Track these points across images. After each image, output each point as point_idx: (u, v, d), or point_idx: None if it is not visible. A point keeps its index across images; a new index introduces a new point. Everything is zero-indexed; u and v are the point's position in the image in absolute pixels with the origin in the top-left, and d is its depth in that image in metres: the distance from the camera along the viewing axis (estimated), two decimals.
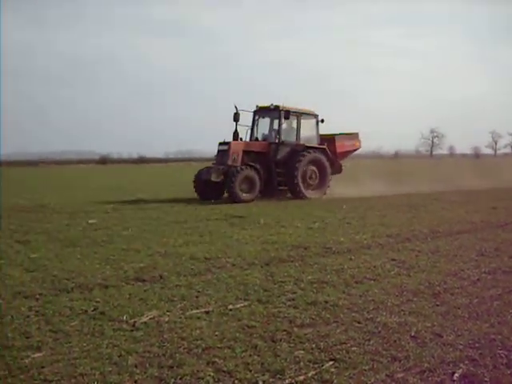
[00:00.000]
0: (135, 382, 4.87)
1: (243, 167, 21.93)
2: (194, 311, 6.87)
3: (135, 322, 6.46)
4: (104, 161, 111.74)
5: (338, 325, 6.29)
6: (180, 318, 6.63)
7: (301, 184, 23.09)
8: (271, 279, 8.45)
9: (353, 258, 9.95)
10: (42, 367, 5.14)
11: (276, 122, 23.76)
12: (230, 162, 22.18)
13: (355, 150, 26.50)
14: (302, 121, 24.04)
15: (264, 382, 4.85)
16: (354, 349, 5.54)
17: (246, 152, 22.83)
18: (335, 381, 4.83)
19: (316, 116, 24.46)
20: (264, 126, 24.63)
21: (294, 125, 24.01)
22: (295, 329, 6.17)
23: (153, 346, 5.69)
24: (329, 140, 24.74)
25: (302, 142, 23.77)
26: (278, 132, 23.50)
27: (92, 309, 6.97)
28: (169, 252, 10.67)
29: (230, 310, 6.93)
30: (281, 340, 5.82)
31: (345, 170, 25.87)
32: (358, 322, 6.38)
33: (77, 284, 8.17)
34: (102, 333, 6.11)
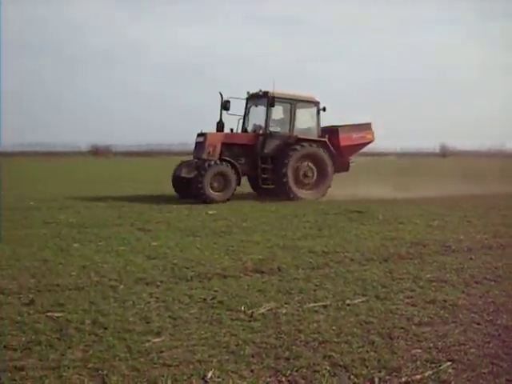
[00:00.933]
0: (252, 371, 4.97)
1: (216, 162, 19.22)
2: (312, 304, 6.91)
3: (253, 312, 6.58)
4: None
5: (457, 325, 6.14)
6: (297, 310, 6.69)
7: (291, 182, 20.01)
8: (389, 276, 8.36)
9: (473, 257, 9.65)
10: (161, 352, 5.35)
11: (270, 110, 20.44)
12: (204, 156, 19.54)
13: (367, 144, 22.48)
14: (298, 109, 20.78)
15: (380, 378, 4.81)
16: (472, 350, 5.40)
17: (226, 145, 20.08)
18: (453, 382, 4.73)
19: (316, 103, 20.97)
20: (256, 115, 21.40)
21: (288, 114, 20.82)
22: (413, 327, 6.08)
23: (270, 337, 5.78)
24: (331, 132, 21.40)
25: (295, 134, 20.53)
26: (265, 122, 20.36)
27: (211, 298, 7.17)
28: (287, 245, 10.77)
29: (348, 304, 6.92)
30: (398, 337, 5.76)
31: (354, 167, 22.64)
32: (478, 324, 6.20)
33: (196, 273, 8.44)
34: (220, 322, 6.28)
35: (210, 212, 15.78)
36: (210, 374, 4.87)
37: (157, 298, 7.15)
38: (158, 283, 7.83)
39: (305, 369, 5.00)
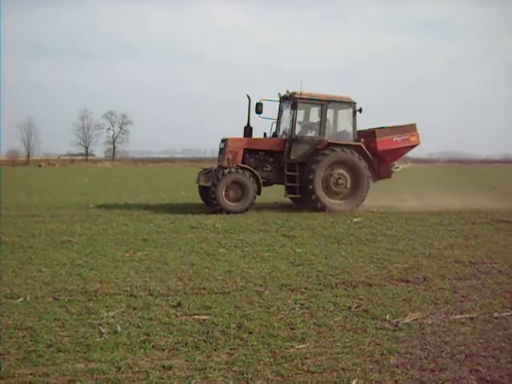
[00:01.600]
0: (396, 382, 4.91)
1: (231, 170, 17.78)
2: (458, 316, 6.73)
3: (398, 322, 6.49)
4: None
5: None
6: (443, 321, 6.54)
7: (318, 191, 18.17)
8: None
9: None
10: (306, 358, 5.38)
11: (294, 112, 18.61)
12: (224, 163, 18.16)
13: (411, 147, 19.99)
14: (330, 111, 19.08)
15: None
16: None
17: (250, 151, 18.75)
18: None
19: (352, 104, 18.90)
20: (287, 118, 19.40)
21: (319, 116, 18.94)
22: None
23: (415, 348, 5.68)
24: (368, 135, 19.28)
25: (326, 138, 18.61)
26: (291, 125, 18.60)
27: (355, 306, 7.14)
28: (433, 254, 10.54)
29: (496, 317, 6.69)
30: None
31: (400, 174, 20.47)
32: None
33: (341, 280, 8.42)
34: (365, 330, 6.23)
35: (355, 220, 15.66)
36: (353, 383, 4.84)
37: (301, 304, 7.20)
38: (303, 290, 7.88)
39: (450, 382, 4.89)
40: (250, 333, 6.08)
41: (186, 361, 5.31)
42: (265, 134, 19.72)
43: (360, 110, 18.89)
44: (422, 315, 6.75)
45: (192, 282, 8.30)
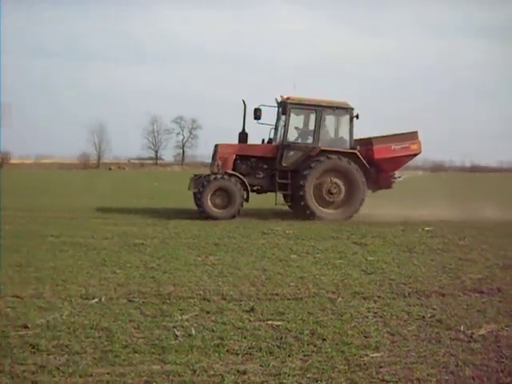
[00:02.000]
0: None
1: (218, 176, 17.62)
2: None
3: (472, 333, 6.42)
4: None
5: None
6: None
7: (309, 198, 17.63)
8: None
9: None
10: (380, 367, 5.38)
11: (286, 118, 18.34)
12: (214, 169, 17.98)
13: (412, 156, 19.23)
14: (326, 117, 18.48)
15: None
16: None
17: (242, 157, 18.46)
18: None
19: (348, 110, 18.31)
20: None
21: (313, 122, 18.43)
22: None
23: (490, 361, 5.61)
24: (364, 143, 18.66)
25: (320, 145, 18.06)
26: (284, 131, 18.25)
27: (429, 315, 7.09)
28: (507, 264, 10.38)
29: None
30: None
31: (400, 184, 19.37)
32: None
33: (414, 289, 8.37)
34: (439, 340, 6.18)
35: (427, 228, 15.48)
36: None
37: (375, 312, 7.20)
38: (376, 298, 7.87)
39: None
40: (324, 340, 6.11)
41: (260, 366, 5.38)
42: (263, 141, 19.46)
43: (357, 116, 18.34)
44: (498, 327, 6.64)
45: (265, 287, 8.39)
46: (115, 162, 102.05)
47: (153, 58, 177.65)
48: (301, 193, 17.58)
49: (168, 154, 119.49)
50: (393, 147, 18.31)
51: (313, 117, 18.42)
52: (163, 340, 6.05)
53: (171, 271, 9.44)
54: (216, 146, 18.72)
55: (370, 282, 8.85)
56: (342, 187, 17.93)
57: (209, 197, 17.38)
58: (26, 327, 6.39)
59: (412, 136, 18.74)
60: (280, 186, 18.02)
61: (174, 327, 6.47)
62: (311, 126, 18.54)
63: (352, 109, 18.29)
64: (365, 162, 17.99)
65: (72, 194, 28.99)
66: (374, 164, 18.27)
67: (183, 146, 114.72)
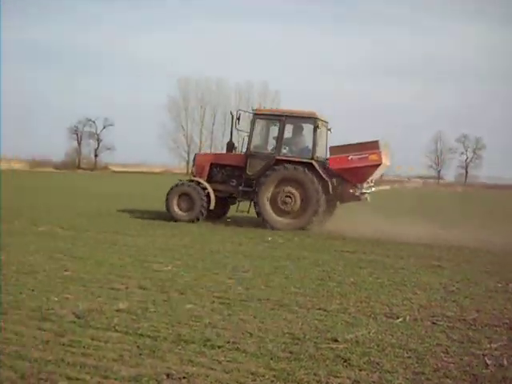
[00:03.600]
0: None
1: (184, 182, 19.33)
2: None
3: None
4: None
5: None
6: None
7: (262, 205, 18.15)
8: None
9: None
10: None
11: (251, 128, 19.14)
12: (192, 177, 19.96)
13: (373, 167, 17.74)
14: (289, 126, 19.08)
15: None
16: None
17: (218, 166, 19.62)
18: None
19: (312, 120, 18.37)
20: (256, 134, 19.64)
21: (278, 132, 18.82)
22: None
23: None
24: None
25: (277, 154, 18.42)
26: (248, 141, 18.95)
27: None
28: None
29: None
30: None
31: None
32: None
33: None
34: None
35: None
36: None
37: None
38: None
39: None
40: None
41: None
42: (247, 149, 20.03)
43: (330, 130, 19.28)
44: None
45: None
46: None
47: None
48: (255, 199, 18.37)
49: (449, 174, 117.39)
50: (350, 157, 17.75)
51: (277, 126, 18.93)
52: (474, 368, 6.04)
53: (472, 296, 9.38)
54: (195, 155, 21.57)
55: None
56: (298, 197, 18.17)
57: (175, 200, 19.02)
58: (335, 341, 6.76)
59: (372, 146, 17.77)
60: (243, 194, 18.95)
61: (483, 355, 6.42)
62: (275, 136, 19.11)
63: (315, 119, 18.36)
64: (321, 172, 17.96)
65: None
66: (338, 175, 18.14)
67: (466, 166, 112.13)
